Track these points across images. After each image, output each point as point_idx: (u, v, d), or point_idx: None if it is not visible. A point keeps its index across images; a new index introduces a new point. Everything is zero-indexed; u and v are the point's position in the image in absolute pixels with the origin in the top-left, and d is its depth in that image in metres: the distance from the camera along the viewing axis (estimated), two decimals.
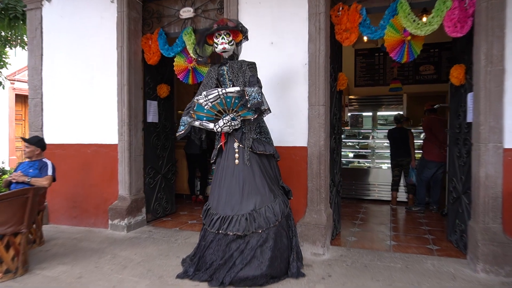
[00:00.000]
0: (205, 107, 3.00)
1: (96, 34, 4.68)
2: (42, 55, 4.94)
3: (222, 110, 3.07)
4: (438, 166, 5.38)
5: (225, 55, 3.25)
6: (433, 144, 5.40)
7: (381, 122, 7.45)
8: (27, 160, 4.01)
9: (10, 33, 7.24)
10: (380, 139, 6.81)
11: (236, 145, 3.15)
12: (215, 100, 2.98)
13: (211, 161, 3.36)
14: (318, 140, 3.67)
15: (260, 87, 3.06)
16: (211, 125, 3.12)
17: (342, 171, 4.58)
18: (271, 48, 3.91)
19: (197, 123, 3.18)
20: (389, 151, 6.20)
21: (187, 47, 4.30)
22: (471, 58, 3.39)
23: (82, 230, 4.61)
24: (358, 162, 6.89)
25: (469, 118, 3.44)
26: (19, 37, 7.44)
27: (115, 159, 4.58)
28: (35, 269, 3.33)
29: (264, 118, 3.20)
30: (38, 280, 3.12)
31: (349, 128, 7.30)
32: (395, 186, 6.02)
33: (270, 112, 3.04)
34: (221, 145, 3.23)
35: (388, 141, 6.21)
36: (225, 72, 3.21)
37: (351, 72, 8.19)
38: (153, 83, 4.96)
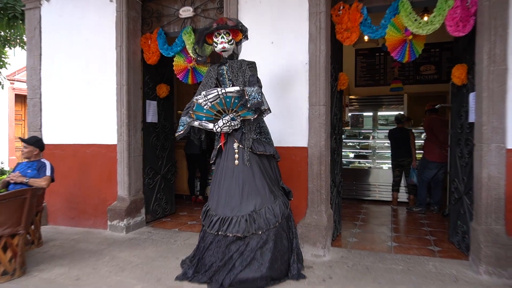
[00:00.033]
0: (205, 107, 2.96)
1: (95, 34, 4.64)
2: (40, 55, 4.91)
3: (221, 110, 3.03)
4: (439, 166, 5.35)
5: (225, 55, 3.21)
6: (434, 145, 5.37)
7: (381, 122, 7.43)
8: (25, 160, 3.99)
9: (9, 33, 7.23)
10: (380, 139, 6.79)
11: (235, 145, 3.11)
12: (215, 100, 2.94)
13: (211, 162, 3.33)
14: (318, 141, 3.64)
15: (260, 86, 3.03)
16: (210, 125, 3.09)
17: (342, 171, 4.55)
18: (271, 48, 3.88)
19: (196, 123, 3.14)
20: (389, 151, 6.18)
21: (187, 46, 4.27)
22: (473, 58, 3.35)
23: (81, 231, 4.58)
24: (359, 163, 6.85)
25: (471, 118, 3.41)
26: (18, 37, 7.43)
27: (114, 160, 4.55)
28: (32, 271, 3.30)
29: (264, 118, 3.17)
30: (35, 282, 3.09)
31: (349, 128, 7.27)
32: (396, 187, 5.99)
33: (270, 112, 3.01)
34: (220, 145, 3.20)
35: (388, 141, 6.18)
36: (225, 72, 3.18)
37: (352, 72, 8.16)
38: (153, 83, 4.92)
